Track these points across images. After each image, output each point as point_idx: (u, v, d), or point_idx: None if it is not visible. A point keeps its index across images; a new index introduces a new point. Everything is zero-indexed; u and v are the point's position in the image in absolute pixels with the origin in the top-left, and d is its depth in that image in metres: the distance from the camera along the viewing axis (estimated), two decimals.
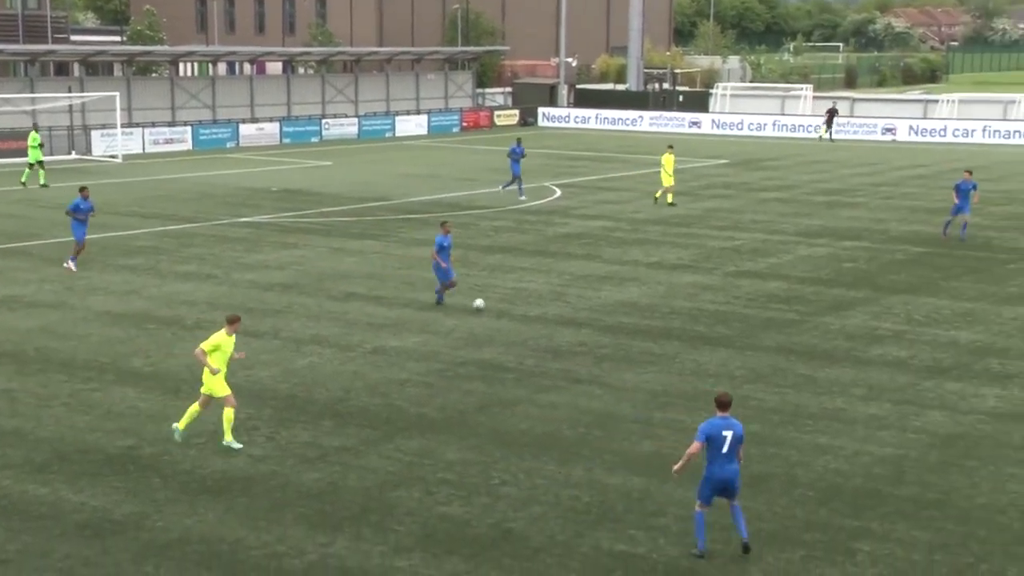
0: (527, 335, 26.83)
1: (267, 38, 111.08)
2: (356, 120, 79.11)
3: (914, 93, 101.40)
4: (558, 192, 51.95)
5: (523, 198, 48.39)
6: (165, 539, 16.09)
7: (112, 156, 63.67)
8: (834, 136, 77.31)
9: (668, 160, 47.23)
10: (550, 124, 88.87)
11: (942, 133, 77.33)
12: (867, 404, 22.08)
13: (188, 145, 69.62)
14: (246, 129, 72.72)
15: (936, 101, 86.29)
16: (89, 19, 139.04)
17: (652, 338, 26.73)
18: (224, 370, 19.19)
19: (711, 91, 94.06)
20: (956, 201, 39.09)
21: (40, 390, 22.65)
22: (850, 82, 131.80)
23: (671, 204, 47.06)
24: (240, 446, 19.31)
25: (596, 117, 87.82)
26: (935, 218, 44.23)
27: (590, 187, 54.26)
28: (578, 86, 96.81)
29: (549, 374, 23.92)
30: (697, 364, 24.80)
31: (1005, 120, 78.34)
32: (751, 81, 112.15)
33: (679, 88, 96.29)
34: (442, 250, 28.91)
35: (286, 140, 74.27)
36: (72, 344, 25.93)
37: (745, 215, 45.38)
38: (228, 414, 19.28)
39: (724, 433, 15.31)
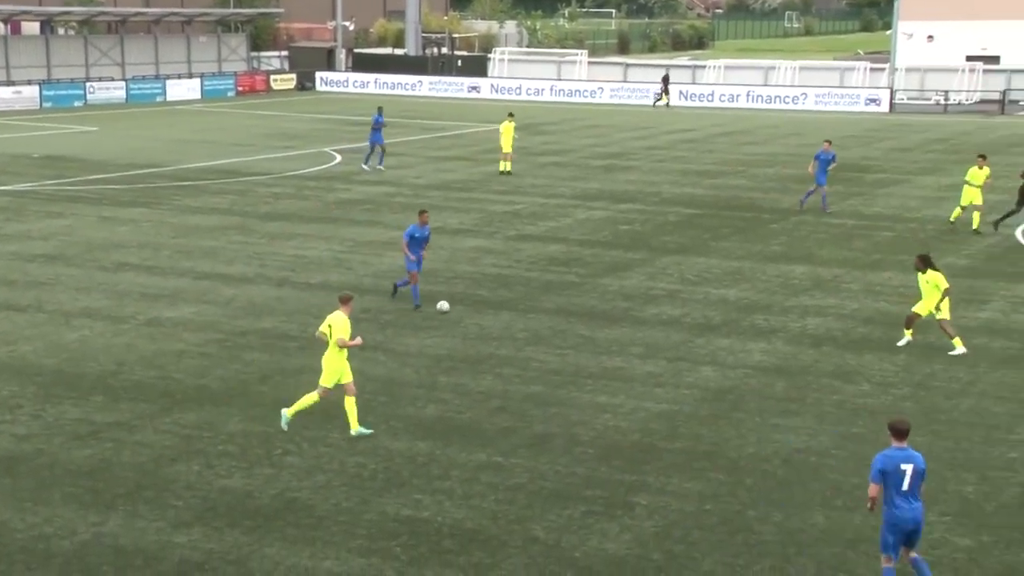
0: (310, 303, 26.39)
1: None
2: (123, 84, 76.62)
3: (683, 59, 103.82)
4: (338, 158, 51.32)
5: (366, 167, 47.19)
6: None
7: None
8: (657, 104, 77.98)
9: (508, 129, 46.47)
10: (329, 89, 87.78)
11: (710, 98, 79.44)
12: (644, 362, 22.49)
13: None
14: (2, 92, 69.50)
15: (704, 67, 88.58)
16: None
17: (435, 303, 26.63)
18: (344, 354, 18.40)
19: (489, 56, 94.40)
20: (811, 172, 38.09)
21: None
22: (623, 48, 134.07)
23: (508, 172, 46.31)
24: (371, 431, 18.62)
25: (375, 82, 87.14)
26: (704, 180, 45.52)
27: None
28: (356, 50, 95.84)
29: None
30: (480, 328, 24.82)
31: (766, 85, 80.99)
32: (528, 46, 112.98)
33: (457, 53, 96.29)
34: (412, 240, 25.95)
35: (46, 104, 71.34)
36: None
37: (525, 179, 45.67)
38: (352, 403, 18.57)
39: (903, 467, 12.77)
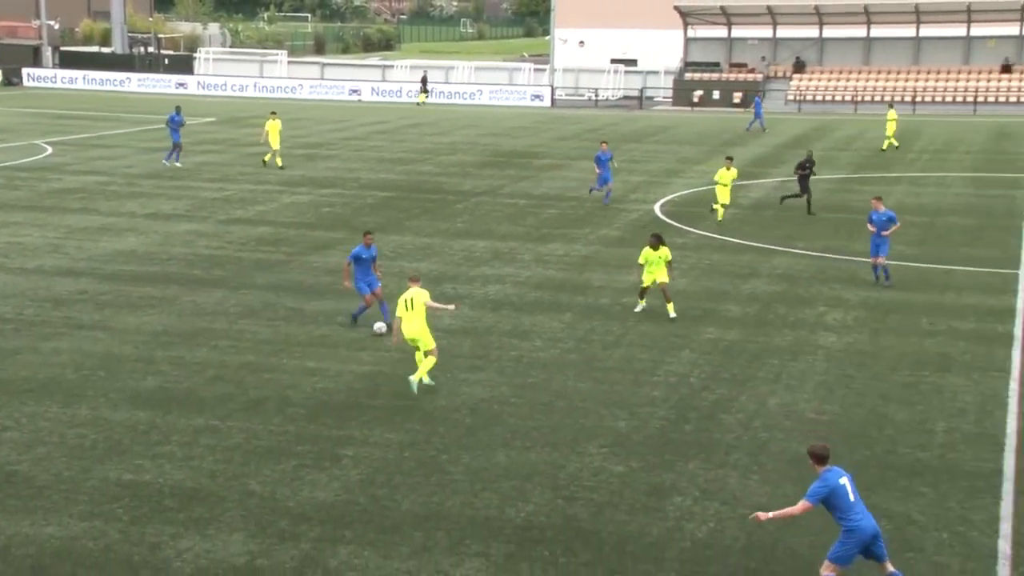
0: (25, 286, 24.79)
1: None
2: None
3: (374, 59, 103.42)
4: (49, 149, 48.48)
5: (178, 164, 43.93)
6: None
7: None
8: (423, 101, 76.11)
9: (274, 126, 43.99)
10: (36, 84, 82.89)
11: (398, 94, 79.51)
12: (348, 330, 22.22)
13: None
14: None
15: (392, 66, 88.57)
16: None
17: (151, 283, 25.54)
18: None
19: (195, 55, 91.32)
20: (598, 171, 36.70)
21: None
22: (319, 49, 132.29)
23: (281, 167, 43.90)
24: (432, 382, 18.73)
25: (84, 78, 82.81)
26: (397, 167, 45.48)
27: (83, 144, 51.05)
28: (62, 48, 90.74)
29: (51, 322, 22.23)
30: (195, 304, 23.94)
31: (447, 83, 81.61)
32: (231, 46, 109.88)
33: (164, 52, 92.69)
34: (359, 261, 22.09)
35: None
36: None
37: (234, 168, 44.42)
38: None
39: (841, 481, 11.62)
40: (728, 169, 33.36)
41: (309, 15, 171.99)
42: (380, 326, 21.86)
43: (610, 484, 15.07)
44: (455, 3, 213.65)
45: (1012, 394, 18.60)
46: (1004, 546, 13.31)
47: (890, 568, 11.83)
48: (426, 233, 32.00)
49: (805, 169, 34.76)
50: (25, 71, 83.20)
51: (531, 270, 27.63)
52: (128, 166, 44.23)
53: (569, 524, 13.89)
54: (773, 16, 75.72)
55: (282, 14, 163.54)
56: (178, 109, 45.81)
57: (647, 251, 23.04)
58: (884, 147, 51.08)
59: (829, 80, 74.95)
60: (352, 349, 20.95)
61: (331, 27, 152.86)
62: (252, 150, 50.20)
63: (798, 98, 73.67)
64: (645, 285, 23.31)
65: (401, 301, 18.56)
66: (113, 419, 17.15)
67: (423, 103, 75.69)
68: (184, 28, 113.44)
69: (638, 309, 23.56)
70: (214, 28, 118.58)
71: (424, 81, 77.98)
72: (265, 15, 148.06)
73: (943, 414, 17.66)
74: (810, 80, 75.30)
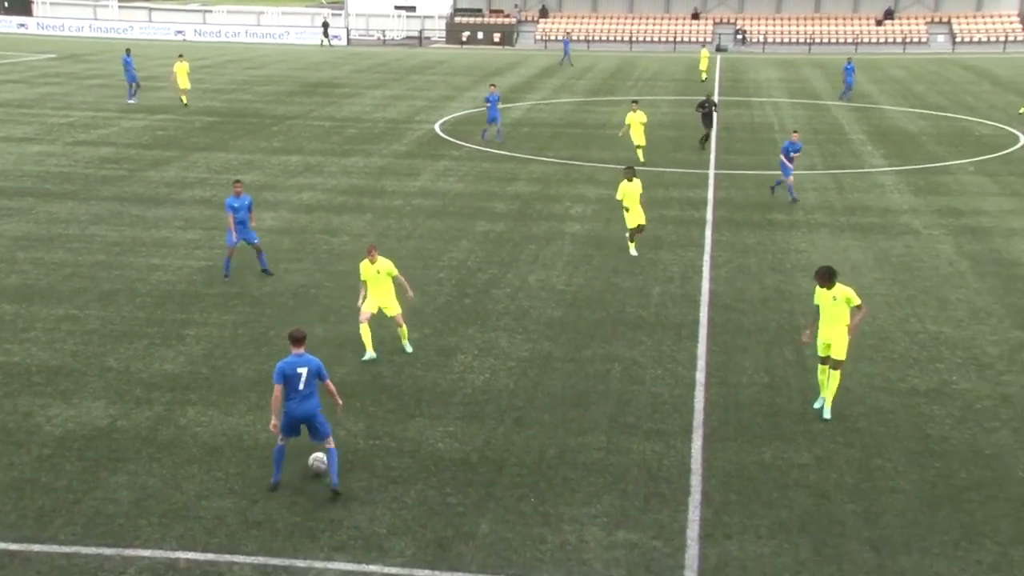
0: None
1: None
2: None
3: (194, 5, 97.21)
4: None
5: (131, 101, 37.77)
6: None
7: None
8: (326, 44, 71.14)
9: (182, 68, 39.72)
10: None
11: (218, 34, 75.36)
12: (185, 232, 21.30)
13: None
14: None
15: (211, 11, 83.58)
16: None
17: (8, 197, 23.70)
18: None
19: None
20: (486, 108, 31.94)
21: None
22: None
23: (186, 105, 39.42)
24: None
25: None
26: (221, 96, 43.25)
27: None
28: None
29: None
30: (50, 214, 22.39)
31: (259, 26, 77.74)
32: None
33: None
34: (234, 212, 17.94)
35: None
36: None
37: (76, 98, 41.26)
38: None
39: (299, 370, 10.79)
40: (635, 112, 28.44)
41: None
42: (318, 458, 11.57)
43: (406, 349, 15.12)
44: None
45: (705, 264, 19.61)
46: (700, 376, 14.17)
47: (329, 446, 10.97)
48: (248, 151, 30.71)
49: (705, 107, 31.13)
50: None
51: (337, 179, 27.02)
52: None
53: (375, 381, 13.90)
54: None
55: None
56: (128, 51, 42.36)
57: (624, 185, 19.80)
58: (703, 80, 50.67)
59: (566, 24, 75.40)
60: (190, 248, 20.10)
61: None
62: (90, 82, 46.78)
63: (543, 38, 73.90)
64: (634, 227, 19.99)
65: (371, 269, 14.63)
66: None
67: (326, 45, 71.33)
68: None
69: (634, 253, 19.97)
70: None
71: (325, 26, 73.35)
72: None
73: (657, 281, 18.46)
74: (553, 23, 75.57)
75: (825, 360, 12.86)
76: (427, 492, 10.97)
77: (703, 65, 52.59)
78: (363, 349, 14.55)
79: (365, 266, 14.56)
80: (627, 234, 20.28)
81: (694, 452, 11.91)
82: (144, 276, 18.24)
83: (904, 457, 11.86)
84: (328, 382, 11.00)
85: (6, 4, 79.11)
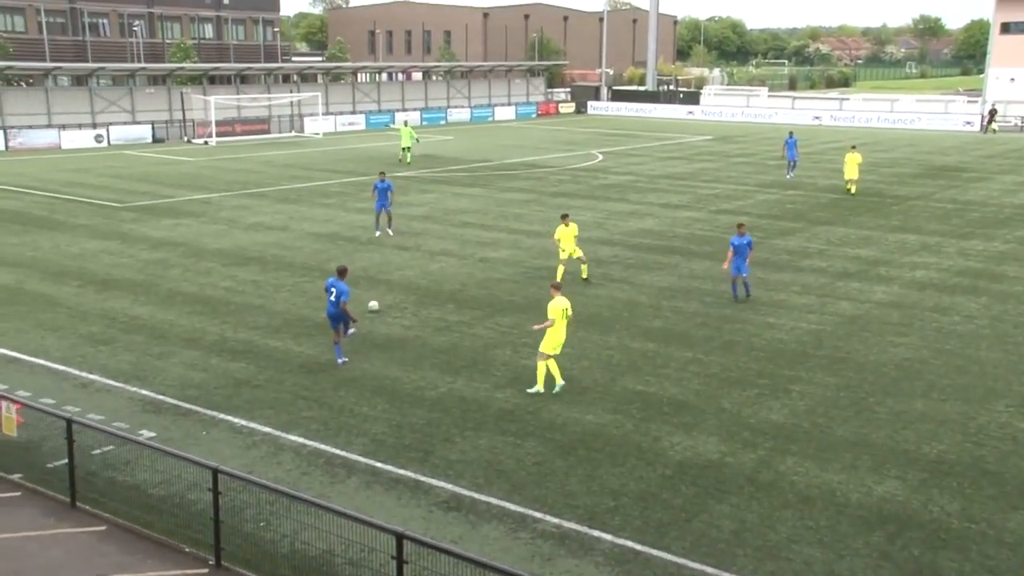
0: (584, 249, 26.27)
1: (412, 56, 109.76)
2: (468, 109, 77.86)
3: (833, 93, 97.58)
4: (600, 156, 50.79)
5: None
6: (351, 376, 16.11)
7: (316, 133, 63.53)
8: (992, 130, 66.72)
9: (853, 158, 36.47)
10: (596, 112, 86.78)
11: (852, 119, 74.55)
12: (800, 297, 21.45)
13: (362, 126, 69.05)
14: (400, 116, 71.99)
15: (848, 99, 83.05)
16: (303, 46, 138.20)
17: (661, 253, 26.14)
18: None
19: (701, 91, 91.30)
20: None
21: (274, 281, 22.73)
22: (792, 86, 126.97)
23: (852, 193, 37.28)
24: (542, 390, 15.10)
25: (626, 108, 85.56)
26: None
27: (621, 154, 52.94)
28: (614, 87, 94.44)
29: (593, 275, 23.45)
30: (690, 270, 24.18)
31: (892, 112, 75.22)
32: (727, 85, 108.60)
33: (680, 89, 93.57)
34: (736, 249, 20.33)
35: (424, 123, 73.32)
36: (292, 252, 25.97)
37: (723, 172, 44.08)
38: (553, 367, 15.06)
39: (332, 288, 16.02)
40: None
41: (786, 61, 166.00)
42: (374, 304, 18.58)
43: (1015, 436, 13.41)
44: (903, 49, 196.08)
45: None
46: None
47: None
48: (867, 227, 29.91)
49: None
50: (590, 103, 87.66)
51: (953, 260, 25.03)
52: (650, 169, 45.29)
53: (976, 464, 12.55)
54: None
55: (766, 61, 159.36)
56: (791, 134, 42.80)
57: None
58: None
59: None
60: (803, 312, 20.17)
61: (802, 70, 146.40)
62: (736, 160, 49.60)
63: None
64: None
65: (560, 310, 14.64)
66: (631, 346, 17.84)
67: (995, 131, 66.20)
68: (695, 71, 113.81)
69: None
70: (716, 72, 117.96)
71: (992, 113, 67.15)
72: (753, 62, 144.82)
73: None
74: None
75: None
76: None
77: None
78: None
79: None
80: None
81: None
82: (760, 332, 18.77)
83: None
84: (343, 302, 15.89)
85: (681, 95, 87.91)
